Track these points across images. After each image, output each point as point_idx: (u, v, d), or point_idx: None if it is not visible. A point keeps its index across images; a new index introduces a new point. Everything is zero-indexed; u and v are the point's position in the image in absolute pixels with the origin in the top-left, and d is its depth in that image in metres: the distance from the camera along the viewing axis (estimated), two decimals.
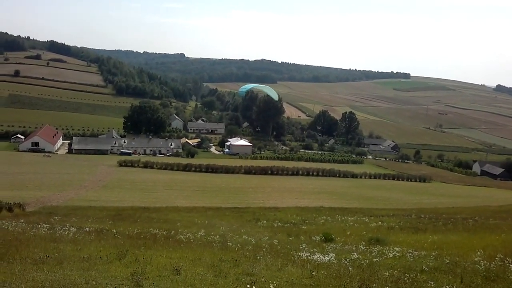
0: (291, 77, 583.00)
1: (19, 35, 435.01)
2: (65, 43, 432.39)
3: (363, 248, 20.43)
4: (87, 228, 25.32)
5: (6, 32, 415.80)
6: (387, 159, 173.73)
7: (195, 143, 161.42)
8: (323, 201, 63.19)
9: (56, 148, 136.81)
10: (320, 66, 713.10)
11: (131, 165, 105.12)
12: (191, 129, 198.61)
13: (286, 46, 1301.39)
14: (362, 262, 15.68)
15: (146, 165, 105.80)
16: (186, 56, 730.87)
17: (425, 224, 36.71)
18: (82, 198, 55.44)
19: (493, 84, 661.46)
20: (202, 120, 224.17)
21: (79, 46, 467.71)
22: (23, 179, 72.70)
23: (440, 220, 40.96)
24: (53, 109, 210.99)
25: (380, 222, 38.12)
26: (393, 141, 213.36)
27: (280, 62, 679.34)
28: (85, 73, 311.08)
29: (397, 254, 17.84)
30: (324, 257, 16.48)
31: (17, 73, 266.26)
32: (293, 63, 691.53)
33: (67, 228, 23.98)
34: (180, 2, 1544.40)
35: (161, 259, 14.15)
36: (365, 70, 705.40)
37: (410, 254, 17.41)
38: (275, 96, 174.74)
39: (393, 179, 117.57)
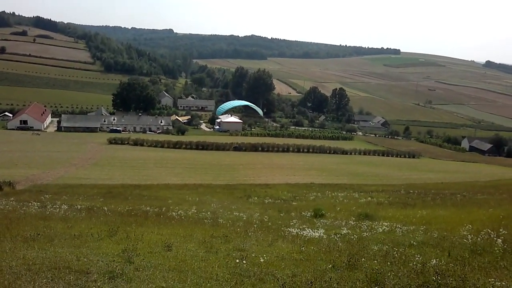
0: (281, 53, 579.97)
1: (4, 11, 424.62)
2: (52, 19, 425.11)
3: (352, 223, 20.64)
4: (78, 206, 25.31)
5: None
6: (377, 136, 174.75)
7: (185, 120, 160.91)
8: (314, 177, 63.51)
9: (45, 126, 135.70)
10: (311, 42, 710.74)
11: (121, 142, 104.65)
12: (181, 106, 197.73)
13: (276, 22, 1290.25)
14: (352, 237, 15.87)
15: (136, 143, 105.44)
16: (175, 32, 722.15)
17: (414, 200, 37.12)
18: (72, 176, 55.21)
19: (482, 60, 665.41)
20: (192, 97, 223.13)
21: (65, 22, 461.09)
22: (12, 157, 72.10)
23: (429, 195, 41.43)
24: (40, 87, 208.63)
25: (369, 198, 38.48)
26: (383, 118, 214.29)
27: (270, 38, 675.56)
28: (72, 50, 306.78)
29: (386, 229, 18.05)
30: (314, 232, 16.65)
31: (2, 50, 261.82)
32: (283, 39, 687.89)
33: (57, 206, 23.94)
34: None
35: (152, 236, 14.21)
36: (355, 46, 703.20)
37: (399, 229, 17.62)
38: (260, 112, 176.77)
39: (383, 155, 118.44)
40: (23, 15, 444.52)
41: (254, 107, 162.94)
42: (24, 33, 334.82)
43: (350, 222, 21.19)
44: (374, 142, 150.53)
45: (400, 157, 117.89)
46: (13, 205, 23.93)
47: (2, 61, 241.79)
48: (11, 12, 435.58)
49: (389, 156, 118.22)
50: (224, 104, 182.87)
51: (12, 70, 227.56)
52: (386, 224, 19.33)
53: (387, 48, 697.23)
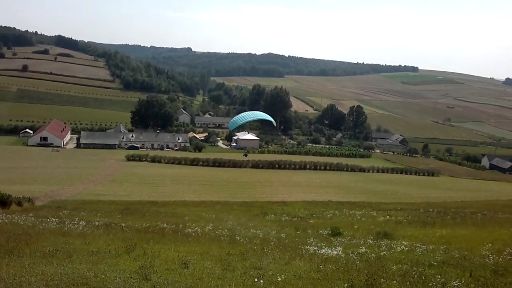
0: (298, 71, 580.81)
1: (27, 30, 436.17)
2: (73, 38, 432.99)
3: (371, 242, 20.39)
4: (95, 222, 25.47)
5: (14, 27, 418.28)
6: (395, 153, 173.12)
7: (203, 137, 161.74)
8: (331, 195, 63.08)
9: (65, 143, 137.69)
10: (328, 60, 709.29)
11: (139, 159, 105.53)
12: (198, 124, 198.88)
13: (293, 40, 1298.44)
14: (370, 256, 15.66)
15: (154, 159, 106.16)
16: (193, 50, 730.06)
17: (433, 218, 36.54)
18: (90, 192, 55.73)
19: (502, 77, 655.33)
20: (210, 115, 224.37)
21: (86, 41, 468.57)
22: (32, 173, 73.19)
23: (448, 214, 40.77)
24: (61, 104, 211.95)
25: (388, 216, 38.00)
26: (401, 135, 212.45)
27: (287, 56, 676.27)
28: (92, 68, 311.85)
29: (405, 248, 17.80)
30: (332, 251, 16.48)
31: (25, 68, 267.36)
32: (300, 57, 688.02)
33: (76, 222, 24.14)
34: None
35: (169, 253, 14.22)
36: (372, 64, 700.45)
37: (418, 248, 17.36)
38: (274, 122, 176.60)
39: (401, 173, 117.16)
40: (45, 34, 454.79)
41: (267, 118, 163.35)
42: (45, 52, 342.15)
43: (368, 240, 20.93)
44: (392, 159, 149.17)
45: (418, 175, 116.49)
46: (32, 221, 24.17)
47: (24, 79, 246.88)
48: (34, 32, 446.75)
49: (407, 174, 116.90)
50: (237, 116, 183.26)
51: (34, 88, 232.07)
52: (405, 243, 19.06)
53: (405, 65, 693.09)
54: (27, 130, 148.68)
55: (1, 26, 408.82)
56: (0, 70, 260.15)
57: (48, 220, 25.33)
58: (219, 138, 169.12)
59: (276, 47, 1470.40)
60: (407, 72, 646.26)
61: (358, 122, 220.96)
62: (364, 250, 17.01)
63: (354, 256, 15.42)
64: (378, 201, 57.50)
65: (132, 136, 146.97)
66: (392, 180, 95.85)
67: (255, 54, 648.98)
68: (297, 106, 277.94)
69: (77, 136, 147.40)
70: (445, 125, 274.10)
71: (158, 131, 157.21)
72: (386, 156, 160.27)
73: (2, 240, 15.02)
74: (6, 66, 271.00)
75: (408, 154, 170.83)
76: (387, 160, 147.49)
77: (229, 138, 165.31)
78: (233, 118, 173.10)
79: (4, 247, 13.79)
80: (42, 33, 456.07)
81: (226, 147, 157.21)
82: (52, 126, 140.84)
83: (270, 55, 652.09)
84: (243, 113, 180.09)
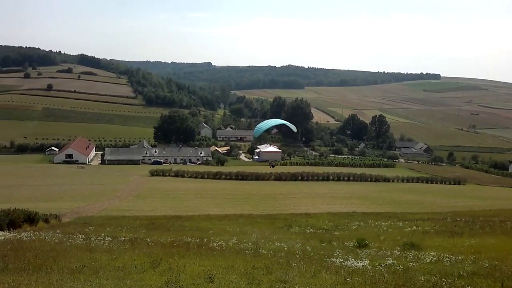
0: (319, 82, 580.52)
1: (51, 50, 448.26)
2: (95, 56, 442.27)
3: (398, 253, 20.06)
4: (121, 238, 25.66)
5: (38, 48, 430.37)
6: (420, 162, 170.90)
7: (225, 151, 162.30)
8: (355, 206, 62.44)
9: (89, 159, 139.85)
10: (348, 70, 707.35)
11: (162, 174, 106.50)
12: (220, 137, 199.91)
13: (313, 51, 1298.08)
14: (397, 267, 15.41)
15: (177, 174, 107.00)
16: (213, 64, 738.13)
17: (461, 228, 35.78)
18: (115, 208, 56.31)
19: None
20: (231, 128, 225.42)
21: (108, 59, 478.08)
22: (58, 190, 74.43)
23: (476, 223, 39.86)
24: (85, 121, 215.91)
25: (414, 227, 37.35)
26: (425, 144, 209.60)
27: (307, 67, 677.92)
28: (115, 85, 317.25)
29: (433, 258, 17.47)
30: (358, 263, 16.26)
31: (50, 87, 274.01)
32: (320, 68, 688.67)
33: (102, 238, 24.36)
34: (205, 12, 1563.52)
35: (194, 267, 14.22)
36: (393, 72, 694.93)
37: (446, 259, 17.02)
38: (294, 128, 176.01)
39: (427, 182, 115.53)
40: (69, 53, 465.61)
41: (289, 125, 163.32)
42: (69, 71, 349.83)
43: (395, 252, 20.60)
44: (417, 169, 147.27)
45: (444, 183, 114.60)
46: (59, 237, 24.49)
47: (49, 98, 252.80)
48: (58, 51, 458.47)
49: (433, 183, 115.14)
50: (261, 123, 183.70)
51: (58, 106, 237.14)
52: (433, 253, 18.72)
53: (427, 73, 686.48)
54: (53, 148, 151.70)
55: (26, 47, 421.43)
56: (26, 90, 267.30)
57: (75, 236, 25.63)
58: (241, 151, 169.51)
59: (296, 59, 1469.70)
60: (429, 80, 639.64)
61: (380, 132, 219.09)
62: (391, 261, 16.74)
63: (381, 268, 15.18)
64: (404, 211, 56.67)
65: (155, 151, 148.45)
66: (417, 190, 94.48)
67: (274, 66, 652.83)
68: (318, 117, 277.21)
69: (101, 152, 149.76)
70: (470, 132, 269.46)
71: (180, 145, 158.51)
72: (411, 165, 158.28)
73: (31, 256, 15.26)
74: (31, 86, 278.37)
75: (433, 163, 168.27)
76: (411, 169, 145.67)
77: (251, 151, 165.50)
78: (257, 126, 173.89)
79: (32, 264, 14.01)
80: (66, 53, 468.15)
81: (248, 160, 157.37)
82: (77, 144, 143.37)
83: (289, 67, 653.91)
84: (266, 120, 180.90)
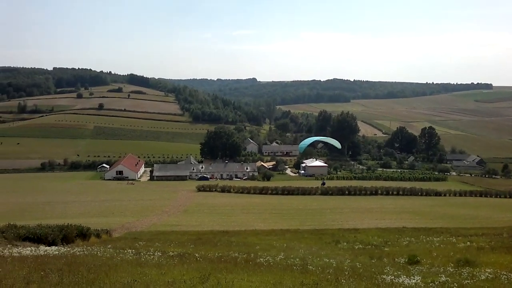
0: (365, 95, 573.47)
1: (102, 71, 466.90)
2: (144, 76, 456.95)
3: (451, 270, 19.30)
4: (170, 253, 25.98)
5: (90, 69, 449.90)
6: (473, 175, 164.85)
7: (271, 166, 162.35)
8: (405, 221, 60.79)
9: (139, 176, 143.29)
10: (395, 82, 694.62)
11: (209, 189, 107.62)
12: (266, 152, 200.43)
13: (358, 64, 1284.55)
14: (452, 285, 14.80)
15: (224, 189, 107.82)
16: (258, 80, 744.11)
17: None
18: (164, 223, 57.29)
19: None
20: (277, 143, 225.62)
21: (156, 78, 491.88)
22: (109, 206, 76.62)
23: None
24: (134, 139, 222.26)
25: (468, 242, 35.90)
26: (478, 156, 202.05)
27: (352, 80, 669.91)
28: (163, 103, 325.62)
29: (490, 276, 16.67)
30: (410, 280, 15.74)
31: (101, 106, 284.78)
32: (366, 81, 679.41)
33: (151, 253, 24.74)
34: (250, 29, 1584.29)
35: (242, 283, 14.17)
36: (443, 83, 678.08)
37: (504, 276, 16.20)
38: (338, 145, 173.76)
39: (480, 195, 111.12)
40: (118, 74, 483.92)
41: (332, 142, 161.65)
42: (119, 90, 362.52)
43: (448, 268, 19.83)
44: (470, 182, 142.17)
45: (499, 197, 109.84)
46: (110, 252, 25.06)
47: (100, 116, 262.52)
48: (108, 72, 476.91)
49: (487, 196, 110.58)
50: (306, 140, 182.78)
51: (109, 125, 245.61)
52: (489, 270, 17.87)
53: (478, 83, 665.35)
54: (104, 165, 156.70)
55: (79, 68, 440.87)
56: (79, 109, 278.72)
57: (125, 251, 26.16)
58: (287, 166, 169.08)
59: (341, 72, 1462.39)
60: (480, 90, 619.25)
61: (430, 144, 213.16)
62: (445, 278, 16.10)
63: (434, 285, 14.65)
64: (457, 226, 54.62)
65: (202, 167, 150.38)
66: (471, 204, 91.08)
67: (319, 80, 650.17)
68: (365, 130, 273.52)
69: (150, 168, 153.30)
70: None
71: (226, 161, 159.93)
72: (463, 179, 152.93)
73: (84, 271, 15.65)
74: (84, 105, 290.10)
75: (486, 176, 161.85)
76: (464, 182, 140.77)
77: (297, 166, 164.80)
78: (302, 142, 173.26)
79: (86, 278, 14.36)
80: (116, 73, 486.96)
81: (294, 174, 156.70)
82: (127, 160, 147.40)
83: (334, 80, 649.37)
84: (309, 138, 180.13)
